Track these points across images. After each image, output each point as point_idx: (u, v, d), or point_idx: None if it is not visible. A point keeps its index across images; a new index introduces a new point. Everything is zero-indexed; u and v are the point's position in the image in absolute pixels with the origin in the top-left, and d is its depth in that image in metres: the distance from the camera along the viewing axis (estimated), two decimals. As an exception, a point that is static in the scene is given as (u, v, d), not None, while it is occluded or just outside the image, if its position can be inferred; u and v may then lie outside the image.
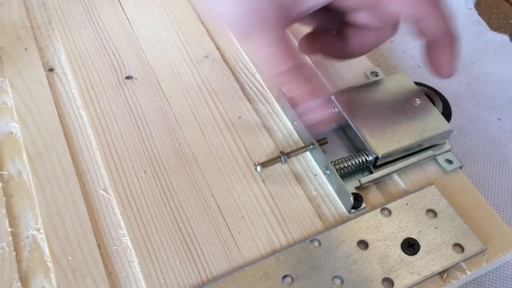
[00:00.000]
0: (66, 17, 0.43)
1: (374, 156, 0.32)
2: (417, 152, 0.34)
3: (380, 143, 0.33)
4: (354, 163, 0.33)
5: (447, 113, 0.35)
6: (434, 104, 0.35)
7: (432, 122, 0.34)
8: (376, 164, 0.33)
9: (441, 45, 0.30)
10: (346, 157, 0.33)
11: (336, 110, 0.35)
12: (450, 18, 0.29)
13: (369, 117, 0.34)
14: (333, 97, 0.35)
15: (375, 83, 0.36)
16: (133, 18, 0.44)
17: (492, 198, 0.36)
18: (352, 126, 0.34)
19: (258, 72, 0.40)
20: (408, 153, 0.34)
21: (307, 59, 0.28)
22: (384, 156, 0.33)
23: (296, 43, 0.28)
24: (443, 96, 0.35)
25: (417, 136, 0.33)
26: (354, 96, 0.35)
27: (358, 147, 0.34)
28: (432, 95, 0.36)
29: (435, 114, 0.34)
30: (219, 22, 0.26)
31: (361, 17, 0.30)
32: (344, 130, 0.36)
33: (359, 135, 0.33)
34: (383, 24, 0.30)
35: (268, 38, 0.25)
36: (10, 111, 0.37)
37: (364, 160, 0.33)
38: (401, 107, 0.34)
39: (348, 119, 0.34)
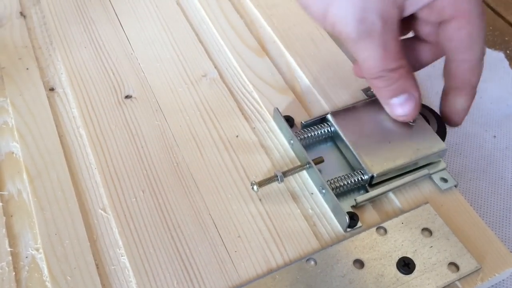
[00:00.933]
0: (66, 37, 0.44)
1: (370, 175, 0.33)
2: (412, 170, 0.34)
3: (376, 162, 0.33)
4: (349, 182, 0.33)
5: (441, 132, 0.35)
6: (429, 123, 0.35)
7: (426, 141, 0.34)
8: (372, 183, 0.33)
9: (463, 95, 0.33)
10: (342, 176, 0.33)
11: (332, 129, 0.36)
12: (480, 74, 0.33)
13: (365, 136, 0.34)
14: (329, 116, 0.36)
15: (371, 102, 0.37)
16: (133, 37, 0.44)
17: (487, 215, 0.37)
18: (348, 145, 0.34)
19: (256, 91, 0.40)
20: (403, 171, 0.34)
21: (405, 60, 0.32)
22: (380, 175, 0.33)
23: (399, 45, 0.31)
24: (438, 115, 0.36)
25: (412, 155, 0.33)
26: (350, 115, 0.36)
27: (354, 166, 0.35)
28: (427, 114, 0.36)
29: (430, 133, 0.35)
30: (328, 28, 0.31)
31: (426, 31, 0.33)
32: (340, 149, 0.36)
33: (354, 154, 0.34)
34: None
35: (372, 45, 0.30)
36: (11, 130, 0.38)
37: (359, 179, 0.33)
38: (396, 126, 0.35)
39: (344, 138, 0.34)
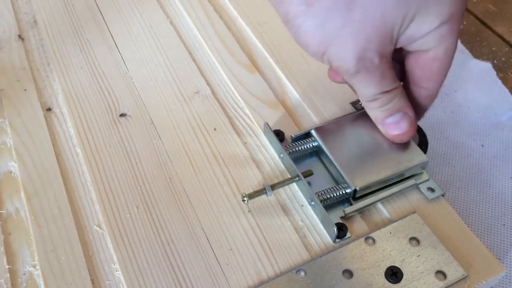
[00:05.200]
0: (63, 58, 0.45)
1: (353, 188, 0.33)
2: (400, 181, 0.35)
3: (358, 176, 0.34)
4: (335, 195, 0.34)
5: (423, 144, 0.36)
6: None
7: (408, 154, 0.35)
8: (355, 196, 0.34)
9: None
10: (330, 188, 0.34)
11: (316, 144, 0.36)
12: None
13: (347, 151, 0.35)
14: (313, 131, 0.36)
15: (353, 116, 0.38)
16: (128, 57, 0.46)
17: (476, 223, 0.37)
18: (331, 160, 0.35)
19: (247, 107, 0.41)
20: (387, 184, 0.35)
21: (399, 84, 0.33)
22: (362, 189, 0.34)
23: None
24: (420, 128, 0.36)
25: (394, 168, 0.34)
26: (332, 130, 0.36)
27: (338, 180, 0.35)
28: None
29: (411, 145, 0.35)
30: (325, 62, 0.32)
31: None
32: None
33: (337, 168, 0.34)
34: None
35: (370, 76, 0.31)
36: (9, 150, 0.39)
37: (343, 192, 0.34)
38: (378, 140, 0.36)
39: (327, 153, 0.35)
